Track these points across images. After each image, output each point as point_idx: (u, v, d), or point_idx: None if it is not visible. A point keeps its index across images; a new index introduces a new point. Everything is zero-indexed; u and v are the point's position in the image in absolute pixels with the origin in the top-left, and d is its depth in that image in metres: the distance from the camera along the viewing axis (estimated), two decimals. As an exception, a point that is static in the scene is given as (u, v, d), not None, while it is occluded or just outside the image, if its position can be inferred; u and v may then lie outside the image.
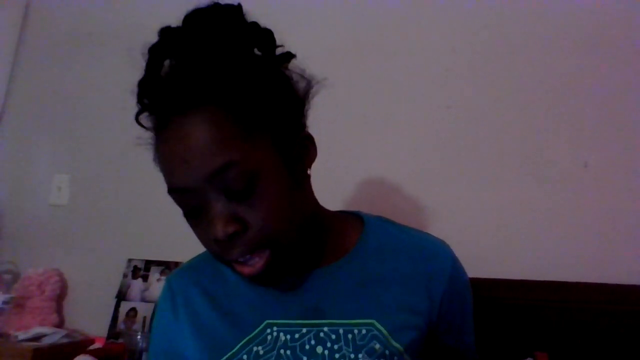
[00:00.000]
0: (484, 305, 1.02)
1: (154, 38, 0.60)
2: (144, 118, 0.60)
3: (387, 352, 0.60)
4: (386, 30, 1.40)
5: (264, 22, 0.62)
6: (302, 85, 0.63)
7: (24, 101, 1.72)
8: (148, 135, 0.61)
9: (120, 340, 1.32)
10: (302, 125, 0.64)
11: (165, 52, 0.59)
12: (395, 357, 0.60)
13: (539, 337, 1.04)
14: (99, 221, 1.54)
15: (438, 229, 1.22)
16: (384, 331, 0.61)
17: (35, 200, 1.61)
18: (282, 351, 0.60)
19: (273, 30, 0.62)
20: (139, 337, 1.19)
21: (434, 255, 0.69)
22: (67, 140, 1.65)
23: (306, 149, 0.63)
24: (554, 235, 1.16)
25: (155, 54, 0.59)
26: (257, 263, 0.58)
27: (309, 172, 0.64)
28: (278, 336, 0.62)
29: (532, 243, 1.17)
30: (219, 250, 0.58)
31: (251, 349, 0.61)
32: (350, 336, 0.61)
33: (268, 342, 0.61)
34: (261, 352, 0.61)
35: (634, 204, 1.13)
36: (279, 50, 0.62)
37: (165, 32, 0.59)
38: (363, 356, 0.59)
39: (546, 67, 1.25)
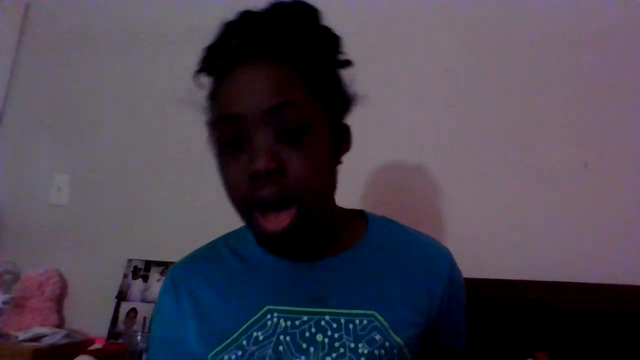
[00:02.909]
0: (484, 305, 1.02)
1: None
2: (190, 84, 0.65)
3: (387, 343, 0.60)
4: (387, 30, 1.40)
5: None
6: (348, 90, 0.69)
7: (24, 101, 1.72)
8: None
9: (120, 341, 1.32)
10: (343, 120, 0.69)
11: (240, 27, 0.63)
12: (395, 350, 0.61)
13: (539, 337, 1.04)
14: (99, 221, 1.54)
15: (438, 229, 1.23)
16: (385, 324, 0.62)
17: (35, 200, 1.61)
18: (281, 337, 0.61)
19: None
20: (139, 337, 1.19)
21: (434, 257, 0.70)
22: (67, 140, 1.64)
23: (345, 139, 0.68)
24: (554, 235, 1.16)
25: (231, 26, 0.63)
26: (282, 220, 0.58)
27: (341, 160, 0.67)
28: (278, 322, 0.62)
29: (532, 243, 1.17)
30: (248, 190, 0.58)
31: (251, 334, 0.61)
32: (351, 326, 0.61)
33: (268, 327, 0.62)
34: (261, 338, 0.61)
35: (634, 204, 1.13)
36: (342, 57, 0.68)
37: (246, 12, 0.64)
38: (363, 346, 0.60)
39: (546, 67, 1.25)
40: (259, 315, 0.63)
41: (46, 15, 1.77)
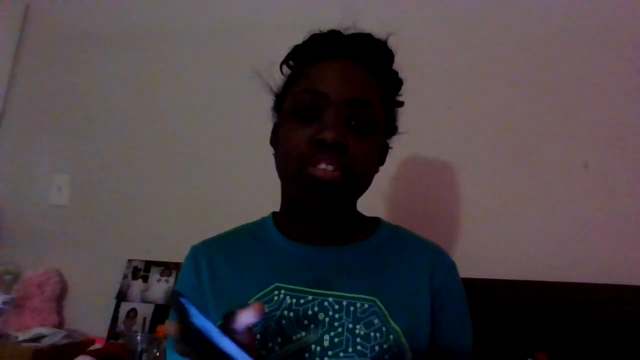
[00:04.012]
0: (484, 305, 1.02)
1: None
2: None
3: (384, 328, 0.64)
4: (386, 31, 1.40)
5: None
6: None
7: (24, 101, 1.72)
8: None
9: (120, 341, 1.32)
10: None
11: (334, 34, 0.73)
12: (392, 336, 0.64)
13: (539, 337, 1.04)
14: (99, 221, 1.54)
15: (438, 229, 1.23)
16: (385, 311, 0.66)
17: (35, 200, 1.61)
18: (285, 312, 0.65)
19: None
20: (139, 337, 1.19)
21: (437, 259, 0.75)
22: (67, 140, 1.64)
23: (384, 155, 0.78)
24: (554, 235, 1.16)
25: (323, 33, 0.73)
26: (331, 172, 0.64)
27: (377, 169, 0.75)
28: (284, 298, 0.66)
29: (532, 243, 1.17)
30: (307, 155, 0.64)
31: None
32: (352, 309, 0.65)
33: (274, 302, 0.66)
34: (266, 310, 0.65)
35: (634, 204, 1.13)
36: (399, 98, 0.79)
37: (334, 30, 0.74)
38: (360, 327, 0.64)
39: (546, 67, 1.26)
40: (267, 290, 0.67)
41: (46, 15, 1.77)
